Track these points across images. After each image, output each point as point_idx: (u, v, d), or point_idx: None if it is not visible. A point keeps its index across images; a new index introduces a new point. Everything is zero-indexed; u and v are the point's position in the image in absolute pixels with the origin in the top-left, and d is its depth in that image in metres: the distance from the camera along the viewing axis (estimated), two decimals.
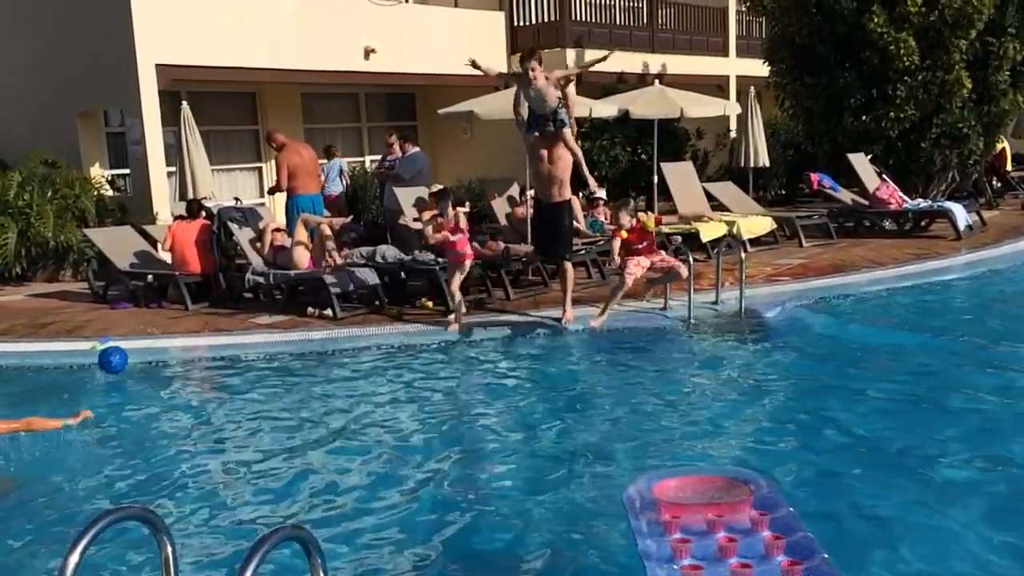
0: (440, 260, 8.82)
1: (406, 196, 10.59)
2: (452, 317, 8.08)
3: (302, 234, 9.37)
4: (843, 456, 4.89)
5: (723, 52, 19.76)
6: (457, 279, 8.10)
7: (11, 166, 12.32)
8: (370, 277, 9.14)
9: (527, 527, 4.12)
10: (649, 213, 8.86)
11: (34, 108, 13.76)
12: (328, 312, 8.72)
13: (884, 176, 13.57)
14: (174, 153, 11.81)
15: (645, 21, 18.24)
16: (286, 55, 13.45)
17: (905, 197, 13.40)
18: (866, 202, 13.48)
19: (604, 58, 8.26)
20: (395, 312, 8.84)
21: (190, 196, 10.89)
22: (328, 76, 14.49)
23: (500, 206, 11.45)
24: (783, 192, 18.46)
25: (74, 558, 2.14)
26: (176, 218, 10.56)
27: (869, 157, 13.90)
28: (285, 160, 10.07)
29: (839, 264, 10.76)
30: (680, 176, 13.07)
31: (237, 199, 12.37)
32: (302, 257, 9.25)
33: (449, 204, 8.68)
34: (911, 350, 7.11)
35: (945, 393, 5.90)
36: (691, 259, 8.32)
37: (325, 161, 13.80)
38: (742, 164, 14.68)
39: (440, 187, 11.05)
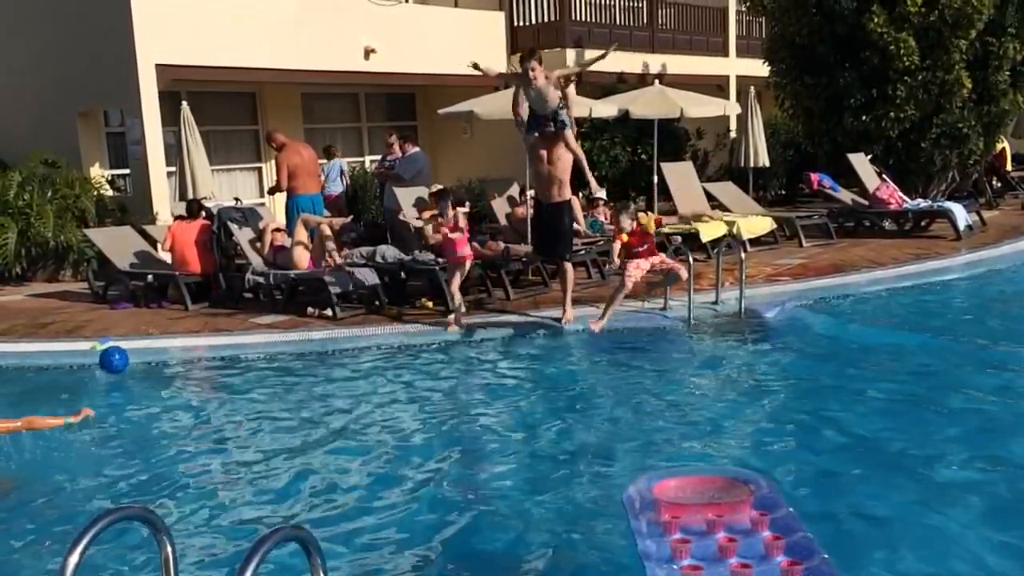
0: (440, 260, 8.82)
1: (406, 196, 10.59)
2: (452, 317, 8.09)
3: (302, 234, 9.37)
4: (843, 456, 4.89)
5: (723, 52, 19.76)
6: (457, 279, 8.10)
7: (11, 166, 12.32)
8: (370, 277, 9.14)
9: (527, 527, 4.12)
10: (649, 213, 8.86)
11: (34, 108, 13.76)
12: (328, 312, 8.72)
13: (884, 176, 13.57)
14: (174, 153, 11.81)
15: (645, 21, 18.24)
16: (286, 55, 13.45)
17: (905, 197, 13.40)
18: (866, 202, 13.48)
19: (603, 55, 8.25)
20: (395, 312, 8.84)
21: (190, 196, 10.89)
22: (328, 76, 14.49)
23: (500, 206, 11.45)
24: (783, 192, 18.46)
25: (74, 558, 2.14)
26: (176, 218, 10.56)
27: (869, 157, 13.90)
28: (285, 160, 10.07)
29: (839, 264, 10.76)
30: (680, 176, 13.07)
31: (237, 199, 12.37)
32: (302, 257, 9.25)
33: (449, 204, 8.69)
34: (911, 350, 7.11)
35: (945, 393, 5.90)
36: (691, 259, 8.32)
37: (325, 161, 13.80)
38: (742, 164, 14.67)
39: (440, 187, 11.06)
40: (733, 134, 17.41)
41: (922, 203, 13.48)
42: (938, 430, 5.23)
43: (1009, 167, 18.24)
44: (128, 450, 5.36)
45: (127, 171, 13.43)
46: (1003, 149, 17.43)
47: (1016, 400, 5.78)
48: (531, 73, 7.63)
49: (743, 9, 18.55)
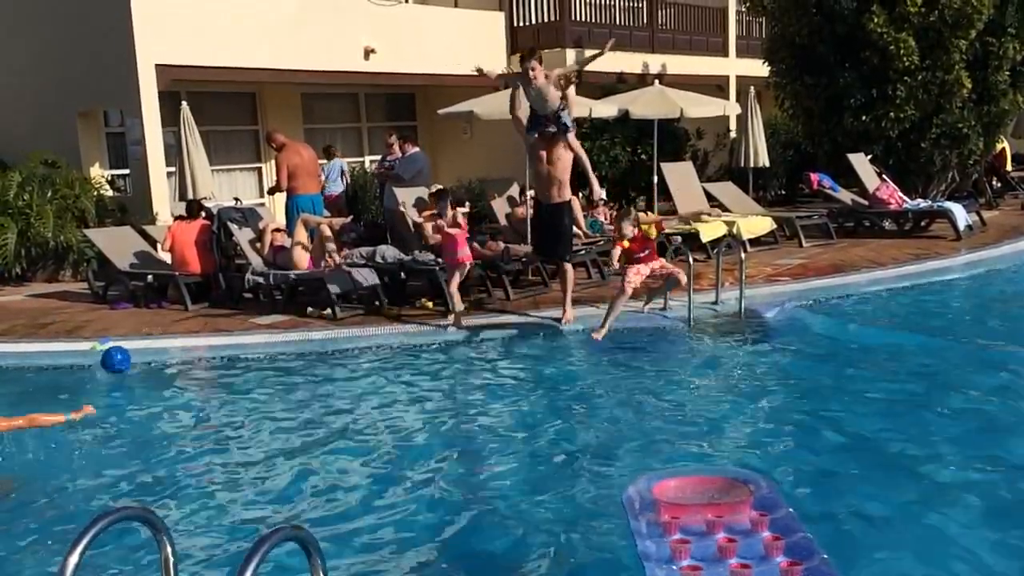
0: (440, 260, 8.82)
1: (406, 196, 10.59)
2: (452, 318, 8.09)
3: (302, 234, 9.37)
4: (842, 456, 4.89)
5: (723, 52, 19.76)
6: (457, 279, 8.10)
7: (11, 166, 12.32)
8: (370, 277, 9.14)
9: (527, 527, 4.12)
10: (649, 213, 8.85)
11: (34, 108, 13.77)
12: (328, 312, 8.73)
13: (884, 176, 13.57)
14: (174, 153, 11.81)
15: (645, 21, 18.24)
16: (286, 55, 13.45)
17: (905, 197, 13.40)
18: (866, 202, 13.48)
19: (600, 53, 8.22)
20: (395, 312, 8.84)
21: (190, 196, 10.89)
22: (328, 76, 14.49)
23: (500, 206, 11.45)
24: (783, 192, 18.46)
25: (74, 558, 2.15)
26: (176, 218, 10.57)
27: (869, 157, 13.90)
28: (285, 160, 10.07)
29: (839, 264, 10.76)
30: (680, 176, 13.08)
31: (237, 199, 12.37)
32: (302, 257, 9.26)
33: (448, 204, 8.69)
34: (911, 350, 7.10)
35: (945, 393, 5.90)
36: (691, 259, 8.32)
37: (325, 161, 13.80)
38: (742, 164, 14.68)
39: (439, 187, 11.05)
40: (733, 134, 17.41)
41: (922, 203, 13.48)
42: (938, 430, 5.22)
43: (1009, 167, 18.24)
44: (128, 450, 5.36)
45: (127, 171, 13.43)
46: (1003, 149, 17.43)
47: (1016, 400, 5.77)
48: (531, 72, 7.63)
49: (743, 9, 18.55)
